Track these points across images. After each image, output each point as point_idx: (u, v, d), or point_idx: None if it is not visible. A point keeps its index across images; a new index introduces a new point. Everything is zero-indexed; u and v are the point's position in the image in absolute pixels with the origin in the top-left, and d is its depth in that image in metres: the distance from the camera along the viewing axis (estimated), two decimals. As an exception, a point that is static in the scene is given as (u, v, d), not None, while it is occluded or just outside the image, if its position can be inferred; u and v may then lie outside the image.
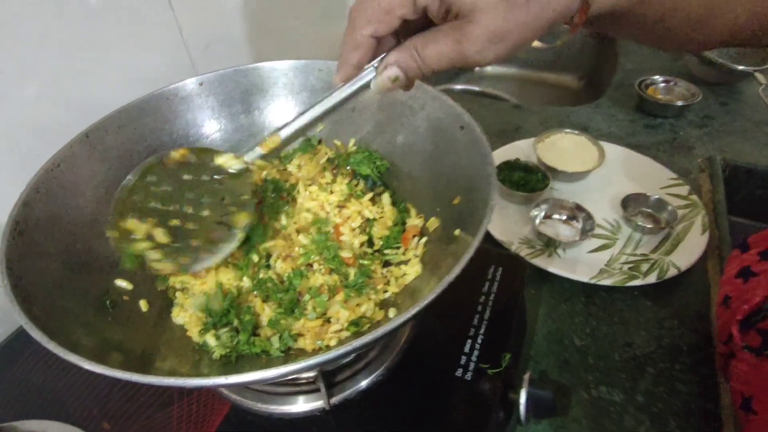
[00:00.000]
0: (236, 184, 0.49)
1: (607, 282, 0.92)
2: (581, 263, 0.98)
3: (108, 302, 0.53)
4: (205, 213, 0.49)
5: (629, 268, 0.96)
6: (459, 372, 0.64)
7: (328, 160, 0.74)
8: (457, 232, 0.55)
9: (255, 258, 0.59)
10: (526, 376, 0.65)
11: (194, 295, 0.57)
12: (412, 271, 0.58)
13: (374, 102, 0.72)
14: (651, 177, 1.16)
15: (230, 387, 0.57)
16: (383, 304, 0.56)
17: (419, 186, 0.68)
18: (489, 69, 2.27)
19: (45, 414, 0.61)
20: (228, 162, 0.50)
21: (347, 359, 0.60)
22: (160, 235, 0.49)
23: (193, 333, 0.54)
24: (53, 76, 0.72)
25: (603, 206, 1.10)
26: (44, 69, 0.71)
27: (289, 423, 0.60)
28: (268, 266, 0.60)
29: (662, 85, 1.49)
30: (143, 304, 0.56)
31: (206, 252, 0.49)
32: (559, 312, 0.91)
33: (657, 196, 1.08)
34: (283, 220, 0.64)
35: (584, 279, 0.93)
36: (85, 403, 0.62)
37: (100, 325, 0.50)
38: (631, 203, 1.08)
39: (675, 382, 0.79)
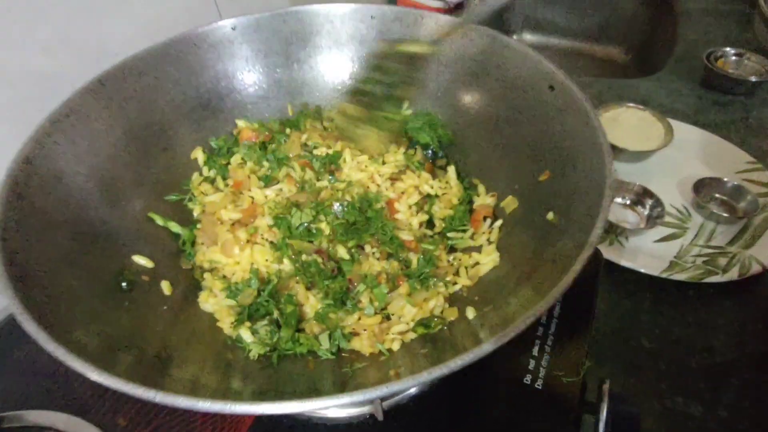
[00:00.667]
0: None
1: (680, 277, 0.81)
2: (646, 254, 0.86)
3: (124, 283, 0.43)
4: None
5: (704, 262, 0.85)
6: (527, 378, 0.55)
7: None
8: (550, 215, 0.44)
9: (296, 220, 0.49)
10: (605, 387, 0.55)
11: (224, 278, 0.48)
12: (488, 260, 0.48)
13: (436, 55, 0.60)
14: (725, 160, 1.03)
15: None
16: (453, 300, 0.46)
17: (491, 159, 0.57)
18: (528, 38, 2.11)
19: (51, 404, 0.53)
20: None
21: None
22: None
23: (224, 324, 0.45)
24: (66, 19, 0.62)
25: (670, 190, 0.98)
26: (57, 11, 0.60)
27: (332, 429, 0.51)
28: (311, 241, 0.50)
29: (733, 58, 1.34)
30: (165, 286, 0.47)
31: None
32: (623, 309, 0.80)
33: (734, 182, 0.95)
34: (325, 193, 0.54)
35: (653, 272, 0.82)
36: (96, 393, 0.54)
37: (111, 313, 0.41)
38: (703, 188, 0.96)
39: (764, 395, 0.69)
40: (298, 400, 0.28)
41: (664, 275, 0.82)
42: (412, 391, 0.54)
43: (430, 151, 0.61)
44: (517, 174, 0.53)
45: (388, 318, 0.44)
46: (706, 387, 0.70)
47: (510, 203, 0.52)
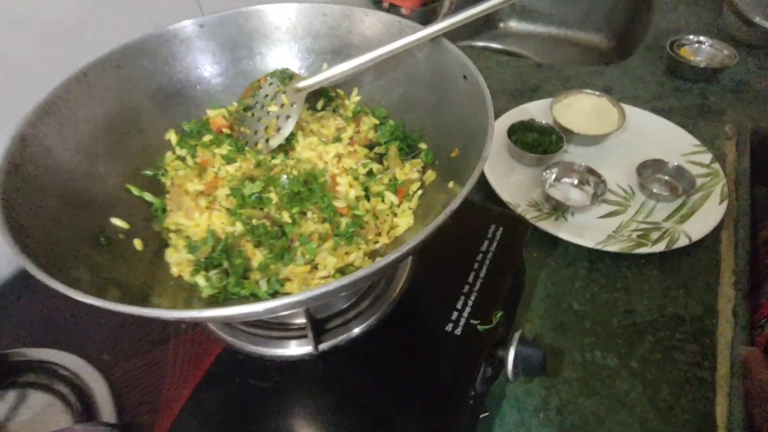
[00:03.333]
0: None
1: (613, 248, 0.90)
2: (589, 229, 0.95)
3: (102, 239, 0.54)
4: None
5: (638, 236, 0.93)
6: (449, 327, 0.65)
7: (333, 109, 0.73)
8: (451, 184, 0.54)
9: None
10: (517, 334, 0.65)
11: (187, 237, 0.58)
12: (404, 222, 0.57)
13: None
14: (673, 144, 1.11)
15: (215, 321, 0.59)
16: (372, 255, 0.56)
17: (420, 140, 0.66)
18: (514, 25, 2.16)
19: (50, 343, 0.64)
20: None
21: (330, 300, 0.60)
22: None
23: (185, 273, 0.55)
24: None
25: (618, 172, 1.06)
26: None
27: (280, 365, 0.62)
28: (261, 208, 0.60)
29: (696, 45, 1.40)
30: (138, 243, 0.57)
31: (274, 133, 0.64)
32: (560, 276, 0.90)
33: (676, 163, 1.03)
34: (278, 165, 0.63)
35: (589, 244, 0.91)
36: (88, 335, 0.65)
37: (97, 259, 0.51)
38: (647, 170, 1.04)
39: (673, 350, 0.78)
40: (243, 305, 0.38)
41: (598, 247, 0.90)
42: (353, 333, 0.64)
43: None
44: (438, 152, 0.62)
45: (316, 268, 0.54)
46: (623, 342, 0.79)
47: (430, 176, 0.61)
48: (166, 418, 0.56)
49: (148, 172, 0.65)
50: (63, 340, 0.64)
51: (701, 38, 1.40)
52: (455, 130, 0.59)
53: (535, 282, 0.88)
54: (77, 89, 0.60)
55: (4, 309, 0.69)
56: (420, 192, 0.61)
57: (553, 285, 0.88)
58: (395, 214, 0.60)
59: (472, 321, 0.65)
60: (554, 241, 0.93)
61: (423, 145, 0.65)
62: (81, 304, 0.38)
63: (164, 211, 0.62)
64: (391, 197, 0.61)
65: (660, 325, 0.82)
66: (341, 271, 0.51)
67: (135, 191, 0.62)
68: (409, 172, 0.63)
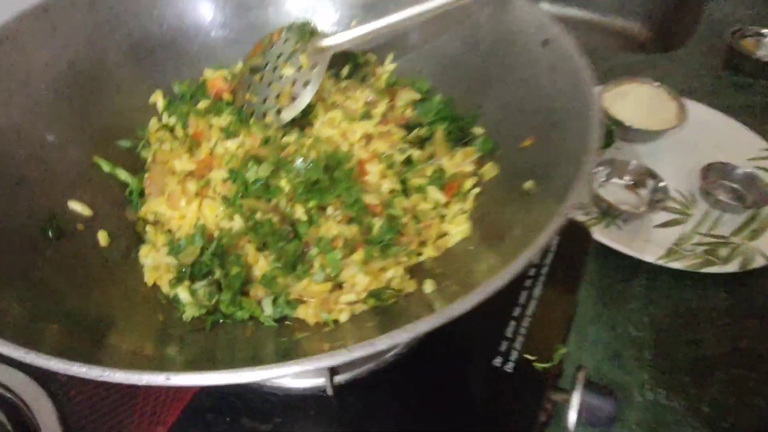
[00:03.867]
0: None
1: (677, 265, 0.76)
2: (644, 239, 0.82)
3: (50, 230, 0.40)
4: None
5: (704, 251, 0.80)
6: (498, 361, 0.51)
7: (362, 78, 0.58)
8: (528, 184, 0.40)
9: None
10: (582, 375, 0.52)
11: (169, 233, 0.44)
12: (458, 231, 0.43)
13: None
14: (739, 146, 0.97)
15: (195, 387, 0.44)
16: (415, 271, 0.42)
17: (473, 122, 0.52)
18: (546, 7, 2.00)
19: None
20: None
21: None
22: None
23: (163, 281, 0.41)
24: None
25: (677, 174, 0.92)
26: None
27: (283, 400, 0.48)
28: (268, 199, 0.46)
29: (758, 38, 1.25)
30: (102, 237, 0.43)
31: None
32: (613, 294, 0.76)
33: (746, 169, 0.89)
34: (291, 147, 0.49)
35: (649, 258, 0.77)
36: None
37: (37, 267, 0.37)
38: (712, 174, 0.90)
39: (751, 394, 0.65)
40: (233, 371, 0.25)
41: (660, 262, 0.77)
42: (371, 365, 0.50)
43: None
44: (502, 139, 0.48)
45: (339, 287, 0.40)
46: (691, 381, 0.66)
47: (489, 170, 0.47)
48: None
49: (124, 143, 0.51)
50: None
51: (763, 30, 1.26)
52: (527, 111, 0.45)
53: (586, 301, 0.75)
54: (34, 27, 0.46)
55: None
56: (477, 190, 0.47)
57: (605, 305, 0.75)
58: (442, 217, 0.46)
59: (526, 356, 0.51)
60: (604, 252, 0.80)
61: (479, 130, 0.51)
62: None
63: (141, 195, 0.48)
64: (436, 194, 0.48)
65: (733, 361, 0.69)
66: (376, 296, 0.37)
67: (105, 167, 0.48)
68: (460, 163, 0.49)
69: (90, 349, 0.29)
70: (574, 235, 0.63)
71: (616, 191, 0.90)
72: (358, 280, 0.39)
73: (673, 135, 0.98)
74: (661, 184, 0.86)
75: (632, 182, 0.90)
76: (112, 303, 0.37)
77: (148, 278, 0.41)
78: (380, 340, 0.24)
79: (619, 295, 0.76)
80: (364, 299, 0.38)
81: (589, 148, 0.33)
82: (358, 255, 0.40)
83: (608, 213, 0.85)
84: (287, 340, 0.35)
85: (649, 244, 0.81)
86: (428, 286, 0.37)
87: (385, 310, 0.36)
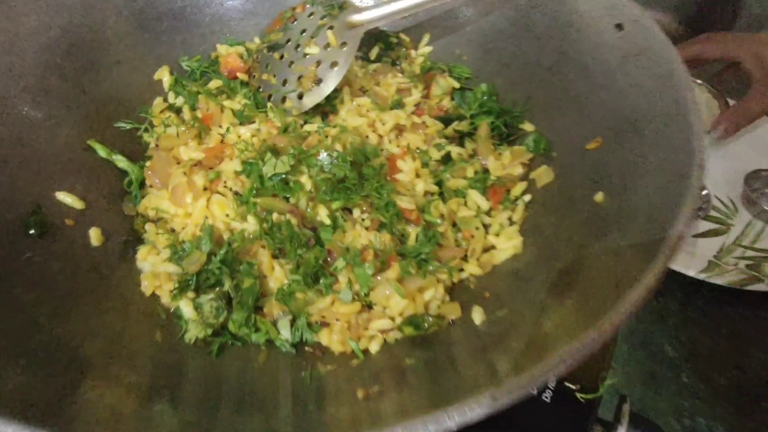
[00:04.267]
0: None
1: (718, 280, 0.70)
2: (683, 250, 0.76)
3: (34, 225, 0.34)
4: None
5: (747, 266, 0.73)
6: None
7: (392, 61, 0.52)
8: (598, 197, 0.33)
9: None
10: (626, 408, 0.46)
11: (172, 233, 0.38)
12: (508, 245, 0.37)
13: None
14: (786, 152, 0.90)
15: None
16: (455, 292, 0.36)
17: (521, 117, 0.45)
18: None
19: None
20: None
21: None
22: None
23: (163, 292, 0.35)
24: None
25: (717, 180, 0.85)
26: None
27: None
28: (287, 198, 0.40)
29: (806, 35, 1.17)
30: (95, 235, 0.37)
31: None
32: (648, 309, 0.71)
33: (794, 178, 0.83)
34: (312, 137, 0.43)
35: (689, 272, 0.71)
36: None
37: (11, 276, 0.31)
38: (757, 181, 0.84)
39: (799, 427, 0.60)
40: None
41: (701, 276, 0.71)
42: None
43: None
44: (558, 138, 0.41)
45: (369, 307, 0.34)
46: (734, 410, 0.60)
47: (543, 175, 0.41)
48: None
49: (124, 125, 0.45)
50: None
51: None
52: (592, 107, 0.39)
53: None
54: (21, -13, 0.39)
55: None
56: (528, 198, 0.40)
57: (638, 321, 0.69)
58: (486, 228, 0.40)
59: (567, 384, 0.45)
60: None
61: (529, 126, 0.45)
62: None
63: (142, 186, 0.42)
64: (478, 198, 0.41)
65: (780, 389, 0.63)
66: (415, 325, 0.32)
67: (101, 151, 0.42)
68: (508, 164, 0.43)
69: (56, 406, 0.22)
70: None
71: (652, 196, 0.83)
72: (393, 303, 0.33)
73: (712, 136, 0.91)
74: (704, 192, 0.79)
75: (671, 187, 0.83)
76: (99, 321, 0.30)
77: (147, 287, 0.35)
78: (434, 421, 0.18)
79: (654, 311, 0.71)
80: (399, 326, 0.32)
81: (695, 157, 0.26)
82: (393, 271, 0.34)
83: (644, 219, 0.79)
84: (309, 375, 0.29)
85: (688, 255, 0.75)
86: (477, 315, 0.32)
87: (424, 342, 0.31)
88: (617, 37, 0.38)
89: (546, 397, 0.46)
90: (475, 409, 0.19)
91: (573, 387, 0.46)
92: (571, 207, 0.36)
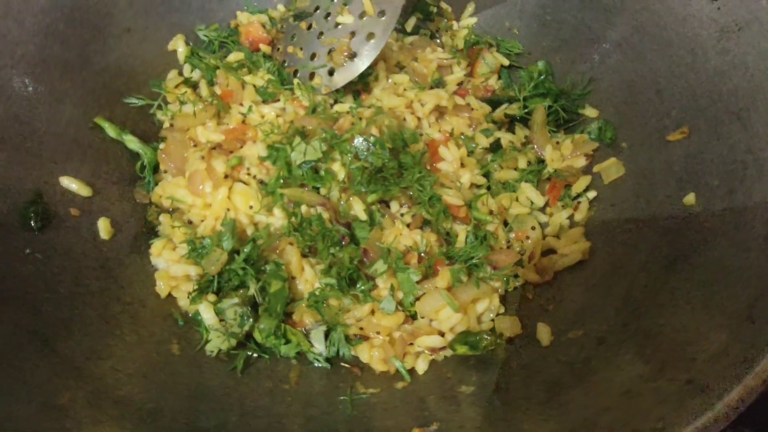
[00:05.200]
0: None
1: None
2: None
3: (33, 217, 0.29)
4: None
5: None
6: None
7: (432, 33, 0.47)
8: (689, 198, 0.28)
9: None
10: None
11: (190, 225, 0.34)
12: (574, 249, 0.32)
13: None
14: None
15: None
16: (508, 302, 0.32)
17: (583, 100, 0.40)
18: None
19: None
20: None
21: None
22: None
23: (180, 294, 0.31)
24: None
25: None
26: None
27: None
28: (317, 188, 0.36)
29: None
30: (104, 227, 0.33)
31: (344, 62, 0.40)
32: None
33: None
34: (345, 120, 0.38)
35: None
36: None
37: (7, 279, 0.27)
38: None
39: None
40: None
41: None
42: None
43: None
44: (629, 126, 0.36)
45: (412, 318, 0.30)
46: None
47: (611, 169, 0.36)
48: None
49: (135, 101, 0.41)
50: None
51: None
52: (676, 90, 0.33)
53: None
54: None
55: None
56: (593, 194, 0.35)
57: None
58: (542, 227, 0.35)
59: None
60: None
61: (592, 111, 0.39)
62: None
63: (156, 171, 0.38)
64: (531, 193, 0.37)
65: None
66: (470, 344, 0.27)
67: (110, 131, 0.38)
68: (568, 154, 0.37)
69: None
70: None
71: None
72: (443, 316, 0.28)
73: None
74: None
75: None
76: (105, 330, 0.26)
77: (162, 287, 0.32)
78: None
79: None
80: (451, 344, 0.28)
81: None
82: (443, 278, 0.30)
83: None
84: (349, 400, 0.25)
85: None
86: (543, 334, 0.27)
87: (479, 363, 0.26)
88: (712, 7, 0.32)
89: None
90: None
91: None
92: (650, 209, 0.31)
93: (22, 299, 0.25)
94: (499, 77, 0.45)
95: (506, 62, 0.45)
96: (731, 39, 0.30)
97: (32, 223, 0.29)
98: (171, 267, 0.32)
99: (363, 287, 0.32)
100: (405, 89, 0.43)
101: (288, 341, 0.29)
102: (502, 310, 0.31)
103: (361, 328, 0.30)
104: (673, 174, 0.31)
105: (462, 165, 0.39)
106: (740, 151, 0.27)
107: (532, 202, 0.37)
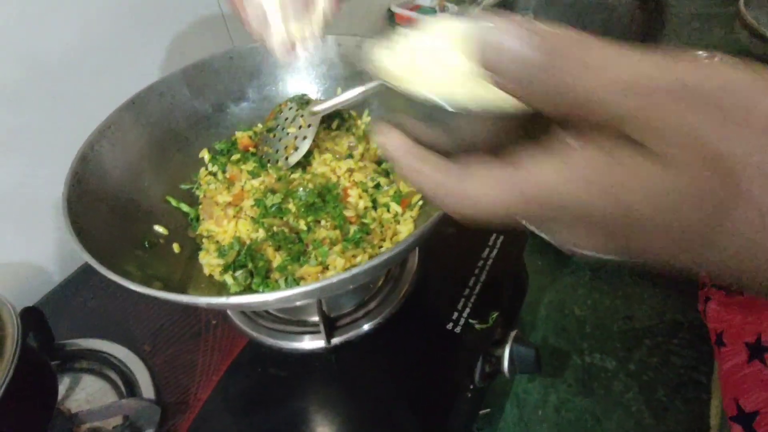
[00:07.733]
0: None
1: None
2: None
3: (146, 243, 0.63)
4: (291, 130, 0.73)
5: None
6: (450, 325, 0.71)
7: (347, 128, 0.81)
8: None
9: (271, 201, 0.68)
10: (512, 333, 0.70)
11: (217, 242, 0.67)
12: (405, 229, 0.64)
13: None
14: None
15: (242, 308, 0.66)
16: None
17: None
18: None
19: (101, 335, 0.73)
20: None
21: (337, 292, 0.66)
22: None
23: (215, 272, 0.64)
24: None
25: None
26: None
27: (296, 357, 0.69)
28: (281, 217, 0.68)
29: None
30: (176, 247, 0.66)
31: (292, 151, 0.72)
32: (564, 283, 0.94)
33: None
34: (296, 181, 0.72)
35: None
36: (133, 329, 0.74)
37: (143, 258, 0.60)
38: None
39: (670, 354, 0.81)
40: (264, 294, 0.45)
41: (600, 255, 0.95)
42: (362, 330, 0.71)
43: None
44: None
45: (326, 268, 0.62)
46: (622, 347, 0.83)
47: (430, 188, 0.68)
48: (197, 399, 0.64)
49: (185, 186, 0.75)
50: (112, 333, 0.73)
51: (716, 54, 1.43)
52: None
53: (541, 289, 0.93)
54: (127, 115, 0.71)
55: (63, 304, 0.79)
56: (420, 203, 0.68)
57: (557, 292, 0.93)
58: (398, 222, 0.67)
59: (470, 320, 0.70)
60: (558, 251, 0.98)
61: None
62: (128, 301, 0.46)
63: (198, 219, 0.71)
64: (395, 207, 0.69)
65: (658, 330, 0.85)
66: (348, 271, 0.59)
67: (173, 202, 0.71)
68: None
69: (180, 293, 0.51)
70: (515, 234, 0.83)
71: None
72: (338, 263, 0.60)
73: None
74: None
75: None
76: (186, 282, 0.60)
77: (206, 271, 0.64)
78: (339, 275, 0.45)
79: (568, 284, 0.94)
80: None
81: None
82: (338, 247, 0.62)
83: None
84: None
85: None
86: (381, 264, 0.58)
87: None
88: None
89: (457, 330, 0.71)
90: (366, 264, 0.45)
91: (474, 321, 0.71)
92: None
93: (156, 271, 0.58)
94: (383, 148, 0.79)
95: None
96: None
97: (146, 244, 0.62)
98: (209, 261, 0.65)
99: (302, 260, 0.63)
100: (330, 162, 0.76)
101: (268, 285, 0.60)
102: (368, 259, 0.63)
103: (302, 276, 0.61)
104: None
105: (360, 197, 0.72)
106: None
107: (396, 212, 0.69)
